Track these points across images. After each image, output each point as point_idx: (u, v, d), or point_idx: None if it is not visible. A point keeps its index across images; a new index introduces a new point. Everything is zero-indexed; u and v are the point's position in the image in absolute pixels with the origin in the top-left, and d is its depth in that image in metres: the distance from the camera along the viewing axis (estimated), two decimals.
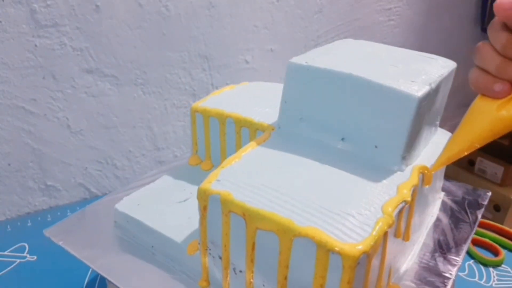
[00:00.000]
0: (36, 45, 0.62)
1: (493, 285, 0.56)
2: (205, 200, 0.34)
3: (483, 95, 0.31)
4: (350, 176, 0.35)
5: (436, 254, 0.42)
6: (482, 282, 0.56)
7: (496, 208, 1.16)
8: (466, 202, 0.50)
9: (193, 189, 0.45)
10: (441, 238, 0.44)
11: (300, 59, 0.40)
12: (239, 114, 0.47)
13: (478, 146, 0.32)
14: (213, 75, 0.80)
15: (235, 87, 0.55)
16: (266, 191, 0.33)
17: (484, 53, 0.30)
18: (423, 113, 0.37)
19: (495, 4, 0.28)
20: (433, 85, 0.37)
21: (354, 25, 0.97)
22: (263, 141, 0.41)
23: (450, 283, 0.38)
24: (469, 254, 0.60)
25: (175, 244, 0.40)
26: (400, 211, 0.33)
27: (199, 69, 0.78)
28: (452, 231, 0.45)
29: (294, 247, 0.31)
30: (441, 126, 0.45)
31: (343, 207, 0.32)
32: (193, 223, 0.39)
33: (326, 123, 0.40)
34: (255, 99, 0.50)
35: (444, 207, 0.49)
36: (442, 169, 0.47)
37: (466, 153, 0.33)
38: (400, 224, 0.35)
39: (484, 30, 1.26)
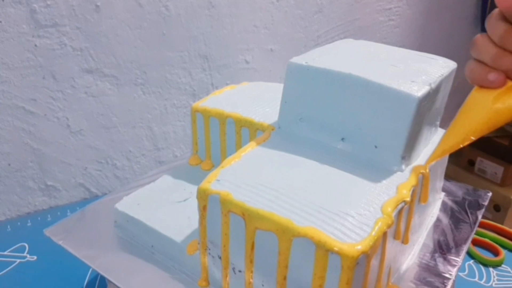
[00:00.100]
0: (36, 45, 0.62)
1: (493, 285, 0.56)
2: (204, 200, 0.34)
3: (479, 87, 0.31)
4: (350, 176, 0.35)
5: (436, 255, 0.42)
6: (482, 282, 0.56)
7: (496, 208, 1.16)
8: (466, 202, 0.50)
9: (193, 189, 0.45)
10: (441, 238, 0.44)
11: (300, 59, 0.40)
12: (239, 114, 0.47)
13: (473, 138, 0.32)
14: (213, 75, 0.80)
15: (235, 87, 0.55)
16: (266, 191, 0.33)
17: (480, 44, 0.30)
18: (423, 113, 0.37)
19: None
20: (433, 85, 0.37)
21: (354, 25, 0.97)
22: (263, 141, 0.41)
23: (449, 283, 0.38)
24: (469, 254, 0.60)
25: (175, 243, 0.40)
26: (400, 212, 0.33)
27: (199, 69, 0.78)
28: (452, 231, 0.45)
29: (293, 247, 0.31)
30: (441, 126, 0.45)
31: (342, 207, 0.32)
32: (193, 223, 0.39)
33: (326, 123, 0.40)
34: (255, 99, 0.50)
35: (444, 207, 0.49)
36: (442, 169, 0.47)
37: (461, 146, 0.33)
38: (400, 224, 0.35)
39: (484, 30, 1.26)
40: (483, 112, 0.31)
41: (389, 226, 0.31)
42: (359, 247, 0.29)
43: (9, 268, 0.57)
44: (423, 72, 0.38)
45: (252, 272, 0.34)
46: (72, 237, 0.44)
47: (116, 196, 0.49)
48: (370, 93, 0.36)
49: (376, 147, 0.37)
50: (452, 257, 0.41)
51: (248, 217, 0.32)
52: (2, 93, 0.63)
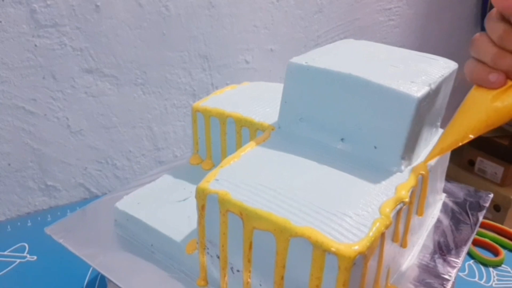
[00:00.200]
0: (36, 45, 0.62)
1: (493, 285, 0.56)
2: (203, 199, 0.34)
3: (478, 86, 0.31)
4: (349, 176, 0.35)
5: (436, 256, 0.42)
6: (482, 282, 0.56)
7: (496, 208, 1.16)
8: (467, 203, 0.50)
9: (193, 189, 0.45)
10: (441, 239, 0.44)
11: (300, 59, 0.40)
12: (239, 114, 0.47)
13: (472, 137, 0.32)
14: (213, 75, 0.80)
15: (236, 87, 0.55)
16: (264, 191, 0.33)
17: (480, 44, 0.30)
18: (423, 114, 0.37)
19: None
20: (433, 86, 0.37)
21: (354, 25, 0.97)
22: (263, 141, 0.41)
23: (449, 284, 0.38)
24: (469, 254, 0.60)
25: (174, 243, 0.40)
26: (398, 212, 0.33)
27: (199, 69, 0.78)
28: (452, 232, 0.45)
29: (291, 247, 0.31)
30: (442, 127, 0.45)
31: (340, 208, 0.32)
32: (192, 222, 0.39)
33: (326, 123, 0.40)
34: (256, 99, 0.50)
35: (445, 208, 0.49)
36: (443, 170, 0.47)
37: (460, 144, 0.33)
38: (398, 225, 0.35)
39: (484, 30, 1.26)
40: (482, 110, 0.31)
41: (387, 227, 0.31)
42: (356, 247, 0.29)
43: (9, 268, 0.57)
44: (423, 72, 0.38)
45: (250, 271, 0.34)
46: (72, 235, 0.45)
47: (117, 195, 0.49)
48: (370, 94, 0.36)
49: (375, 147, 0.37)
50: (452, 258, 0.41)
51: (246, 216, 0.32)
52: (2, 93, 0.63)
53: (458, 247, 0.43)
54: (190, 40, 0.75)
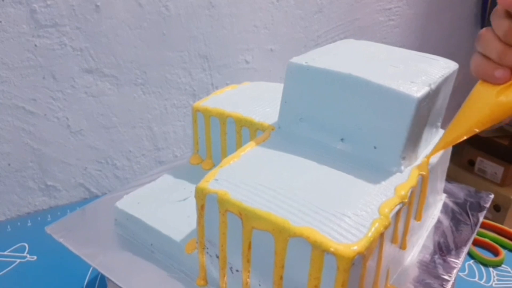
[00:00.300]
0: (36, 45, 0.63)
1: (493, 285, 0.56)
2: (202, 199, 0.34)
3: (484, 81, 0.32)
4: (348, 176, 0.35)
5: (436, 256, 0.42)
6: (482, 282, 0.56)
7: (496, 208, 1.16)
8: (468, 204, 0.50)
9: (193, 188, 0.45)
10: (442, 240, 0.44)
11: (300, 59, 0.40)
12: (239, 113, 0.47)
13: (477, 131, 0.32)
14: (213, 75, 0.80)
15: (237, 87, 0.55)
16: (264, 191, 0.33)
17: (486, 39, 0.31)
18: (423, 114, 0.37)
19: None
20: (433, 86, 0.37)
21: (354, 25, 0.97)
22: (263, 141, 0.41)
23: (449, 285, 0.38)
24: (469, 254, 0.60)
25: (174, 242, 0.40)
26: (398, 213, 0.33)
27: (199, 69, 0.78)
28: (452, 233, 0.45)
29: (290, 247, 0.31)
30: (442, 127, 0.45)
31: (340, 208, 0.32)
32: (192, 222, 0.39)
33: (326, 123, 0.40)
34: (256, 99, 0.50)
35: (445, 209, 0.49)
36: (444, 170, 0.47)
37: (465, 137, 0.33)
38: (398, 225, 0.35)
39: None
40: (486, 105, 0.32)
41: (386, 227, 0.31)
42: (355, 247, 0.29)
43: (9, 268, 0.57)
44: (423, 72, 0.38)
45: (249, 271, 0.34)
46: (72, 235, 0.45)
47: (117, 194, 0.49)
48: (370, 94, 0.36)
49: (375, 147, 0.37)
50: (452, 259, 0.41)
51: (245, 216, 0.32)
52: (2, 93, 0.63)
53: (458, 247, 0.43)
54: (190, 40, 0.75)
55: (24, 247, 0.61)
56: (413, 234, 0.41)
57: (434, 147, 0.37)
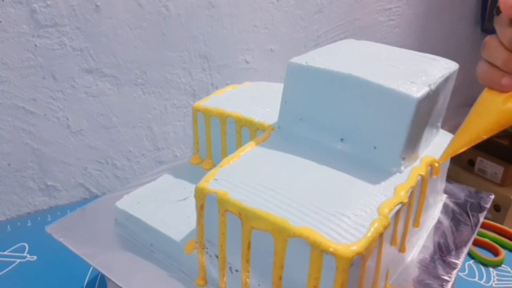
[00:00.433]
0: (36, 45, 0.63)
1: (493, 285, 0.56)
2: (202, 199, 0.34)
3: (490, 88, 0.32)
4: (348, 177, 0.35)
5: (436, 257, 0.42)
6: (482, 282, 0.56)
7: (496, 208, 1.16)
8: (468, 204, 0.50)
9: (193, 188, 0.45)
10: (442, 240, 0.44)
11: (300, 59, 0.40)
12: (239, 113, 0.47)
13: (485, 137, 0.33)
14: (213, 75, 0.80)
15: (237, 86, 0.55)
16: (263, 191, 0.33)
17: (491, 47, 0.31)
18: (423, 115, 0.37)
19: (500, 1, 0.29)
20: (433, 86, 0.37)
21: (354, 25, 0.97)
22: (262, 141, 0.41)
23: (449, 285, 0.38)
24: (469, 254, 0.60)
25: (173, 242, 0.40)
26: (397, 213, 0.33)
27: (199, 69, 0.78)
28: (453, 233, 0.45)
29: (289, 247, 0.31)
30: (441, 126, 0.45)
31: (339, 208, 0.32)
32: (192, 221, 0.39)
33: (326, 123, 0.40)
34: (256, 99, 0.50)
35: (445, 209, 0.49)
36: (444, 171, 0.47)
37: (473, 144, 0.34)
38: (397, 226, 0.34)
39: (484, 30, 1.26)
40: (493, 112, 0.32)
41: (385, 227, 0.31)
42: (354, 248, 0.28)
43: (9, 268, 0.57)
44: (423, 73, 0.38)
45: (248, 271, 0.34)
46: (72, 235, 0.45)
47: (117, 194, 0.49)
48: (370, 94, 0.36)
49: (375, 148, 0.37)
50: (452, 260, 0.41)
51: (244, 216, 0.32)
52: (2, 93, 0.63)
53: (458, 248, 0.43)
54: (190, 40, 0.75)
55: (24, 247, 0.61)
56: (413, 235, 0.41)
57: (442, 153, 0.37)
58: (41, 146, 0.69)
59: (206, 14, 0.75)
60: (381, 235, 0.31)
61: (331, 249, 0.28)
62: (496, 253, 0.61)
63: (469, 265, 0.59)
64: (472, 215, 0.48)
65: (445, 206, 0.50)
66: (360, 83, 0.36)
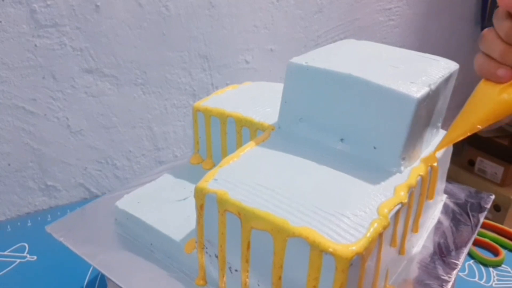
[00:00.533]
0: (36, 45, 0.63)
1: (493, 285, 0.56)
2: (201, 199, 0.34)
3: (487, 79, 0.33)
4: (348, 177, 0.35)
5: (436, 257, 0.42)
6: (482, 282, 0.56)
7: (496, 208, 1.16)
8: (468, 205, 0.50)
9: (193, 188, 0.45)
10: (442, 240, 0.44)
11: (300, 59, 0.40)
12: (240, 113, 0.47)
13: (480, 127, 0.33)
14: (213, 75, 0.80)
15: (237, 86, 0.55)
16: (263, 191, 0.33)
17: (489, 39, 0.32)
18: (423, 115, 0.37)
19: None
20: (433, 87, 0.37)
21: (354, 25, 0.97)
22: (262, 141, 0.41)
23: (448, 286, 0.38)
24: (469, 254, 0.60)
25: (173, 242, 0.40)
26: (397, 213, 0.33)
27: (199, 69, 0.78)
28: (453, 234, 0.45)
29: (288, 247, 0.31)
30: (441, 126, 0.45)
31: (339, 208, 0.32)
32: (192, 221, 0.39)
33: (326, 123, 0.40)
34: (257, 99, 0.50)
35: (446, 209, 0.49)
36: (444, 171, 0.47)
37: (468, 134, 0.34)
38: (397, 226, 0.34)
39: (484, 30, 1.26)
40: (489, 103, 0.33)
41: (385, 228, 0.31)
42: (353, 248, 0.28)
43: (9, 268, 0.57)
44: (423, 73, 0.38)
45: (248, 271, 0.34)
46: (72, 234, 0.45)
47: (117, 194, 0.49)
48: (370, 94, 0.36)
49: (375, 148, 0.37)
50: (452, 260, 0.41)
51: (244, 216, 0.32)
52: (2, 93, 0.63)
53: (458, 248, 0.43)
54: (190, 40, 0.75)
55: (24, 247, 0.61)
56: (412, 235, 0.41)
57: (438, 143, 0.37)
58: (41, 146, 0.69)
59: (206, 14, 0.75)
60: (380, 235, 0.31)
61: (330, 249, 0.28)
62: (496, 253, 0.61)
63: (469, 265, 0.59)
64: (472, 216, 0.48)
65: (445, 206, 0.50)
66: (360, 83, 0.37)
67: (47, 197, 0.73)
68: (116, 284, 0.39)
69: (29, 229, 0.66)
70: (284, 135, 0.42)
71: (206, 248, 0.36)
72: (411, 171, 0.37)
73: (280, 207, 0.32)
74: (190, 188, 0.47)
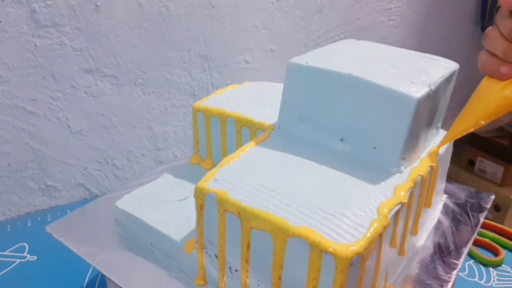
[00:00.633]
0: (36, 45, 0.63)
1: (493, 285, 0.56)
2: (201, 199, 0.34)
3: (490, 76, 0.34)
4: (348, 177, 0.35)
5: (436, 257, 0.42)
6: (482, 282, 0.56)
7: (496, 208, 1.16)
8: (468, 205, 0.50)
9: (193, 188, 0.45)
10: (442, 241, 0.44)
11: (300, 59, 0.40)
12: (240, 113, 0.47)
13: (483, 123, 0.34)
14: (213, 75, 0.80)
15: (238, 86, 0.55)
16: (263, 191, 0.33)
17: (492, 37, 0.32)
18: (423, 115, 0.37)
19: None
20: (433, 87, 0.37)
21: (354, 25, 0.97)
22: (262, 141, 0.41)
23: (448, 286, 0.38)
24: (470, 254, 0.60)
25: (173, 242, 0.40)
26: (397, 213, 0.33)
27: (199, 69, 0.78)
28: (453, 234, 0.45)
29: (288, 247, 0.31)
30: (441, 126, 0.45)
31: (339, 208, 0.32)
32: (192, 221, 0.39)
33: (326, 123, 0.40)
34: (257, 99, 0.50)
35: (446, 209, 0.49)
36: (444, 171, 0.47)
37: (472, 130, 0.35)
38: (397, 226, 0.34)
39: (484, 30, 1.25)
40: (492, 99, 0.34)
41: (385, 228, 0.31)
42: (353, 248, 0.28)
43: (9, 268, 0.57)
44: (423, 73, 0.38)
45: (248, 271, 0.34)
46: (72, 234, 0.45)
47: (117, 194, 0.49)
48: (370, 94, 0.36)
49: (375, 148, 0.37)
50: (452, 260, 0.41)
51: (244, 216, 0.32)
52: (2, 93, 0.63)
53: (458, 248, 0.43)
54: (190, 40, 0.75)
55: (24, 247, 0.61)
56: (412, 235, 0.41)
57: (443, 139, 0.38)
58: (41, 146, 0.69)
59: (206, 14, 0.75)
60: (380, 235, 0.31)
61: (330, 249, 0.28)
62: (496, 253, 0.61)
63: (469, 265, 0.59)
64: (472, 216, 0.48)
65: (445, 206, 0.50)
66: (360, 83, 0.37)
67: (47, 197, 0.73)
68: (116, 284, 0.39)
69: (29, 229, 0.66)
70: (284, 135, 0.42)
71: (206, 248, 0.36)
72: (411, 171, 0.37)
73: (280, 207, 0.32)
74: (190, 188, 0.47)
